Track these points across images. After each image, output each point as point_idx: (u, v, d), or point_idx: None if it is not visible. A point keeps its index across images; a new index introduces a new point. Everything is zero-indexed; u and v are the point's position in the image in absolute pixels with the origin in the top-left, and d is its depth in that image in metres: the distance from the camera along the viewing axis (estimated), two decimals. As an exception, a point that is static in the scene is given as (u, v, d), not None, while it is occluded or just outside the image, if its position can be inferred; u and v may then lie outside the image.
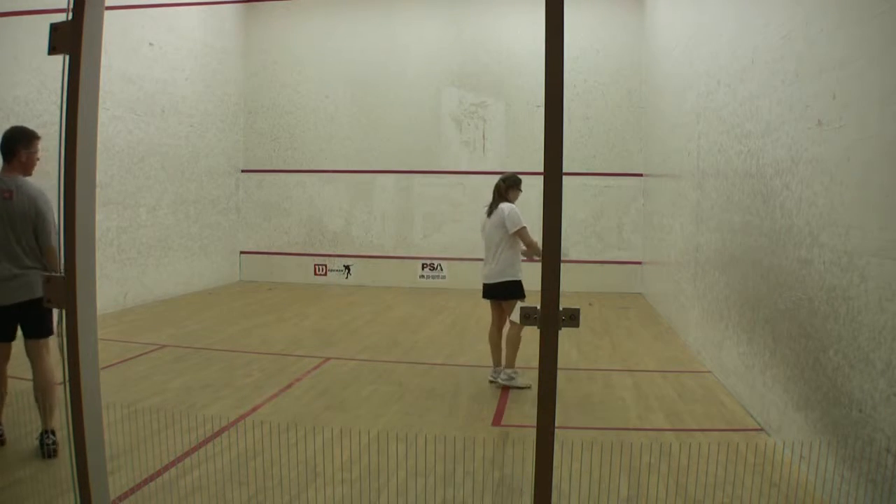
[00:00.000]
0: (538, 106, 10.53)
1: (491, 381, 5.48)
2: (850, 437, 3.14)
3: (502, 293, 5.43)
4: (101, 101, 2.26)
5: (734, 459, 3.73)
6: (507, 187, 5.47)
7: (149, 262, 9.48)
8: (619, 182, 11.10)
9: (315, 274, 11.90)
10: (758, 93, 4.71)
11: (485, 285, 5.51)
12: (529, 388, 5.23)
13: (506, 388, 5.31)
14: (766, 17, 4.56)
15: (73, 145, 2.11)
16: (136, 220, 9.20)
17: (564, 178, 1.99)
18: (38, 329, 3.90)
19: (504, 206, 5.36)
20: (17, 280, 3.79)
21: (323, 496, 3.36)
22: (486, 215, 5.50)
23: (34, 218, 3.84)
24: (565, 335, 2.11)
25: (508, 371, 5.35)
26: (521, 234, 5.33)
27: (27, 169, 3.89)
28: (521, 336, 5.29)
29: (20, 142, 3.84)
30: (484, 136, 11.37)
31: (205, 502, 3.27)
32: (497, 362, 5.48)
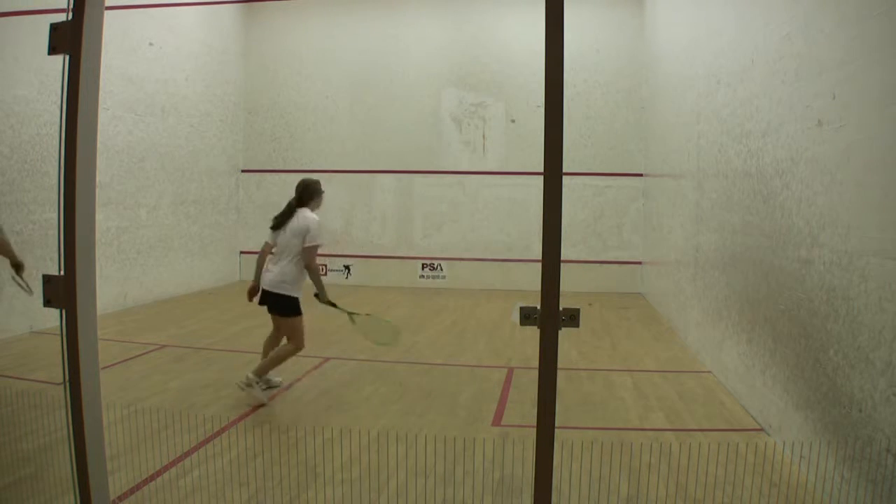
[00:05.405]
0: (538, 106, 10.53)
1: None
2: (850, 437, 3.14)
3: (279, 307, 4.88)
4: (101, 101, 2.26)
5: (734, 459, 3.73)
6: (314, 193, 4.95)
7: (149, 262, 9.47)
8: (619, 182, 11.10)
9: (315, 274, 11.89)
10: (758, 93, 4.71)
11: (264, 291, 4.91)
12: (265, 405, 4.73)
13: (506, 388, 5.32)
14: (766, 17, 4.56)
15: (73, 145, 2.11)
16: (136, 220, 9.20)
17: (564, 178, 2.00)
18: None
19: (309, 214, 4.86)
20: None
21: (323, 496, 3.36)
22: (279, 217, 4.91)
23: None
24: (565, 335, 2.11)
25: (253, 377, 4.75)
26: (315, 252, 4.87)
27: None
28: (286, 359, 4.88)
29: None
30: (484, 136, 11.35)
31: (205, 502, 3.27)
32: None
